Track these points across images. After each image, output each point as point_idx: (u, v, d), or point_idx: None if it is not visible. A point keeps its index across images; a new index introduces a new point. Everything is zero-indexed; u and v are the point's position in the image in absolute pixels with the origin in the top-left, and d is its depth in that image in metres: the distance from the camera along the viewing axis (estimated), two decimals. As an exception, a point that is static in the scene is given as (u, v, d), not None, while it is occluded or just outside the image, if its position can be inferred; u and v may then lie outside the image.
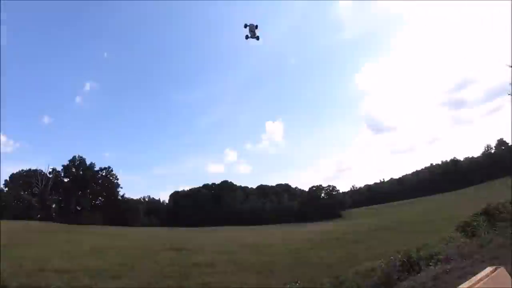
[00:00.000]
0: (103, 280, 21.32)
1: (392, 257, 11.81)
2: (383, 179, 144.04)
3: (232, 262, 28.15)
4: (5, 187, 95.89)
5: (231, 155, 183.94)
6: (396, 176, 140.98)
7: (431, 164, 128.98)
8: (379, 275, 11.99)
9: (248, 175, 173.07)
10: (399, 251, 12.37)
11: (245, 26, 15.43)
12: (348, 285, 14.88)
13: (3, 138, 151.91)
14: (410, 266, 10.70)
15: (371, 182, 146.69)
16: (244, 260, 29.37)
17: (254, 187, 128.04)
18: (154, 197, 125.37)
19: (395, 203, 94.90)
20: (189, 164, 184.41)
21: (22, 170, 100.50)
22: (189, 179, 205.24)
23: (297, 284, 11.18)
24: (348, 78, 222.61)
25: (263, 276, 22.89)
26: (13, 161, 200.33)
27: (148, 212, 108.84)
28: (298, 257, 28.97)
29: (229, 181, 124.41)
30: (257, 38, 15.72)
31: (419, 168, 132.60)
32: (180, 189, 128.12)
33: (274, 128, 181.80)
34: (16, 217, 75.18)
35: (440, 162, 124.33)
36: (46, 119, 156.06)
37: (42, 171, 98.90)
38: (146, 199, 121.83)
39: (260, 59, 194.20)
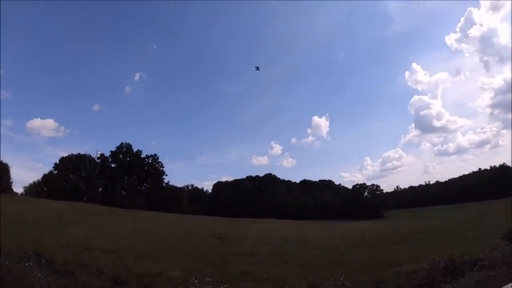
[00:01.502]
0: (146, 261, 22.13)
1: (437, 259, 11.96)
2: (429, 181, 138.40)
3: (272, 254, 28.62)
4: (55, 170, 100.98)
5: (276, 148, 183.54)
6: (442, 179, 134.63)
7: (479, 169, 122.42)
8: (422, 276, 12.20)
9: (291, 169, 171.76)
10: (443, 255, 12.48)
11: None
12: (389, 285, 15.08)
13: (55, 124, 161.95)
14: (454, 270, 10.84)
15: (416, 184, 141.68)
16: (284, 252, 29.77)
17: (297, 181, 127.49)
18: (197, 186, 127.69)
19: (439, 207, 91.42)
20: (233, 155, 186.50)
21: (72, 154, 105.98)
22: (232, 170, 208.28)
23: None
24: (398, 74, 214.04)
25: (303, 270, 23.14)
26: (63, 146, 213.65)
27: (191, 200, 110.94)
28: (338, 254, 28.99)
29: (272, 174, 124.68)
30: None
31: (466, 173, 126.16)
32: (223, 179, 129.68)
33: (320, 123, 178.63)
34: (63, 198, 78.99)
35: (488, 168, 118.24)
36: (96, 107, 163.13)
37: (90, 156, 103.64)
38: (190, 188, 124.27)
39: (308, 52, 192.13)
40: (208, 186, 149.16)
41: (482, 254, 11.95)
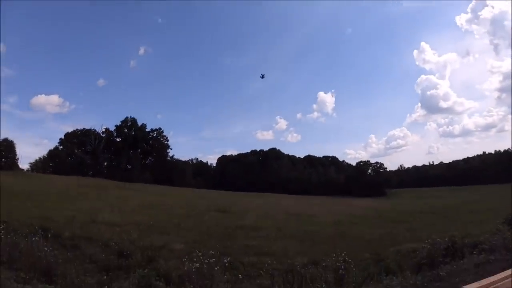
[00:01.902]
0: (150, 235, 22.40)
1: (438, 239, 12.08)
2: (433, 162, 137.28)
3: (275, 228, 28.89)
4: (60, 145, 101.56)
5: (280, 123, 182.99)
6: (446, 160, 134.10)
7: (483, 152, 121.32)
8: (422, 256, 12.36)
9: (296, 144, 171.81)
10: (444, 235, 12.60)
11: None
12: (389, 263, 15.30)
13: (59, 100, 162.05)
14: (454, 252, 10.95)
15: (419, 164, 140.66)
16: (287, 227, 30.16)
17: (302, 156, 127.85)
18: (202, 160, 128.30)
19: (442, 188, 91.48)
20: (238, 129, 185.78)
21: (77, 129, 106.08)
22: (237, 144, 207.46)
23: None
24: (406, 53, 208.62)
25: (305, 245, 23.46)
26: (68, 122, 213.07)
27: (195, 174, 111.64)
28: (340, 230, 29.25)
29: (277, 148, 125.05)
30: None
31: (470, 155, 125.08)
32: (227, 153, 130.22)
33: (326, 99, 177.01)
34: (69, 173, 79.56)
35: (493, 152, 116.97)
36: (101, 82, 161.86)
37: (95, 130, 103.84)
38: (194, 161, 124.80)
39: (315, 27, 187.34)
40: (212, 160, 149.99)
41: (482, 237, 12.05)
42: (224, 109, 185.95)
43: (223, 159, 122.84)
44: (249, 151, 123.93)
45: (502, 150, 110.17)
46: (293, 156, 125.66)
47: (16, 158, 74.52)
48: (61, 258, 11.67)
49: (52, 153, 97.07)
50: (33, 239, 10.93)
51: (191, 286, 9.06)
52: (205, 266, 9.41)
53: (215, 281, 9.36)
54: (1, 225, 11.50)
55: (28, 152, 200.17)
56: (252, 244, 22.48)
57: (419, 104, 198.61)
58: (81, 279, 9.71)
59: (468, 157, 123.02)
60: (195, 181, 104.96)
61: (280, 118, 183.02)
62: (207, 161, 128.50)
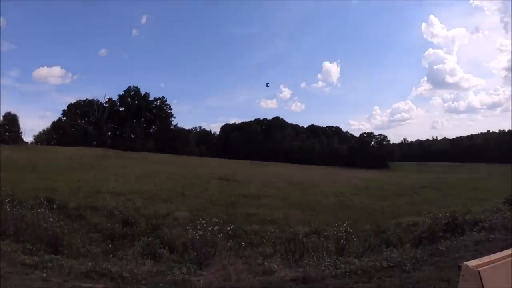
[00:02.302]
0: (154, 203, 22.67)
1: (440, 214, 12.15)
2: (436, 137, 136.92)
3: (278, 197, 29.18)
4: (63, 117, 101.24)
5: (285, 92, 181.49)
6: (450, 136, 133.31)
7: (487, 131, 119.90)
8: (423, 229, 12.48)
9: (300, 114, 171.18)
10: (445, 211, 12.67)
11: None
12: (390, 235, 15.52)
13: (61, 71, 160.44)
14: (454, 228, 11.03)
15: (423, 138, 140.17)
16: (289, 196, 30.43)
17: (305, 126, 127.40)
18: (205, 128, 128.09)
19: (444, 163, 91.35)
20: (242, 97, 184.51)
21: (80, 100, 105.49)
22: (240, 112, 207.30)
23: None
24: (413, 25, 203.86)
25: (307, 214, 23.73)
26: (71, 93, 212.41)
27: (198, 142, 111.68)
28: (342, 200, 29.57)
29: (280, 117, 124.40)
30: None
31: (474, 133, 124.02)
32: (231, 122, 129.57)
33: (331, 69, 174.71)
34: (73, 144, 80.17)
35: (497, 131, 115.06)
36: (103, 52, 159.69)
37: (98, 100, 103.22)
38: (198, 130, 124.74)
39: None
40: (216, 128, 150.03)
41: (483, 215, 12.09)
42: (228, 78, 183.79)
43: (226, 128, 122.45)
44: (252, 119, 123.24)
45: (506, 130, 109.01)
46: (297, 125, 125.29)
47: (20, 131, 74.88)
48: (66, 229, 11.88)
49: (55, 125, 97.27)
50: (39, 210, 11.00)
51: (195, 253, 9.21)
52: (208, 233, 9.56)
53: (218, 248, 9.49)
54: (7, 198, 11.54)
55: (32, 125, 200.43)
56: (254, 213, 22.75)
57: (425, 78, 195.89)
58: (86, 249, 9.92)
59: (472, 134, 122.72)
60: (199, 149, 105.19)
61: (285, 87, 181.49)
62: (210, 130, 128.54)
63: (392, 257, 8.10)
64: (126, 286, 6.30)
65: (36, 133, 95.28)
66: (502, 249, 6.00)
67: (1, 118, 70.86)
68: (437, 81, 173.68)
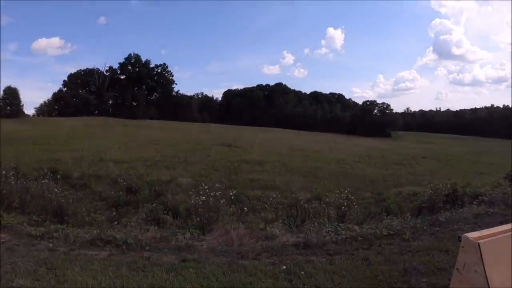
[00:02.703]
0: (157, 170, 22.88)
1: (441, 185, 12.22)
2: (440, 108, 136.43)
3: (280, 163, 29.25)
4: (64, 87, 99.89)
5: (287, 58, 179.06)
6: (453, 108, 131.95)
7: (492, 105, 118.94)
8: (423, 199, 12.59)
9: (302, 80, 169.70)
10: (445, 182, 12.73)
11: None
12: (390, 204, 15.65)
13: (60, 42, 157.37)
14: (454, 199, 11.10)
15: (426, 109, 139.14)
16: (291, 162, 30.48)
17: (308, 92, 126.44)
18: (207, 94, 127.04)
19: (447, 135, 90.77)
20: (244, 63, 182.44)
21: (80, 69, 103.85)
22: (243, 78, 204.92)
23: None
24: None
25: (308, 180, 23.88)
26: (71, 63, 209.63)
27: (201, 108, 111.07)
28: (343, 168, 29.67)
29: (283, 83, 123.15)
30: None
31: (478, 106, 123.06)
32: (233, 87, 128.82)
33: (335, 36, 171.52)
34: (75, 114, 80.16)
35: (501, 106, 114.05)
36: (102, 20, 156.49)
37: (99, 69, 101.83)
38: (200, 96, 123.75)
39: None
40: (218, 94, 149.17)
41: (483, 189, 12.14)
42: (230, 43, 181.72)
43: (228, 93, 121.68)
44: (255, 85, 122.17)
45: (511, 106, 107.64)
46: (299, 92, 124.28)
47: (21, 104, 73.92)
48: (71, 198, 11.98)
49: (56, 96, 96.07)
50: (43, 182, 11.06)
51: (198, 218, 9.34)
52: (211, 199, 9.60)
53: (221, 213, 9.59)
54: (10, 171, 11.57)
55: (33, 98, 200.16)
56: (257, 178, 22.96)
57: (431, 48, 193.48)
58: (91, 217, 10.06)
59: (475, 108, 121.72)
60: (201, 115, 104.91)
61: (287, 53, 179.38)
62: (212, 96, 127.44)
63: (392, 225, 8.20)
64: (131, 252, 6.43)
65: (38, 105, 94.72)
66: (501, 223, 6.09)
67: (1, 93, 70.33)
68: (443, 52, 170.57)
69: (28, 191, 10.90)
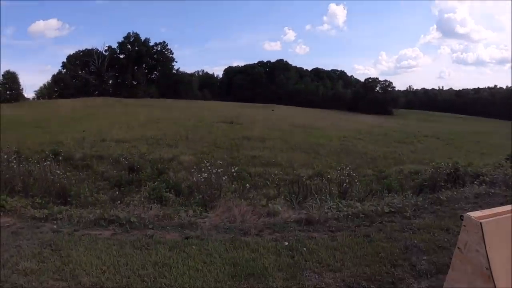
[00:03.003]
0: (159, 148, 23.20)
1: (442, 163, 12.20)
2: (442, 87, 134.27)
3: (281, 140, 29.51)
4: (63, 69, 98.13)
5: (289, 34, 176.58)
6: (456, 88, 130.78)
7: (495, 85, 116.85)
8: (425, 178, 12.60)
9: (304, 56, 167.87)
10: (447, 162, 12.72)
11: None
12: (391, 181, 15.67)
13: (58, 23, 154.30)
14: (456, 179, 11.09)
15: (428, 87, 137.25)
16: (293, 139, 30.71)
17: (309, 69, 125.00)
18: (208, 72, 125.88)
19: (449, 114, 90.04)
20: (245, 40, 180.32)
21: (79, 50, 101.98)
22: (244, 55, 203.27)
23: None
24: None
25: (310, 157, 24.13)
26: (70, 44, 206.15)
27: (201, 86, 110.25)
28: (345, 145, 29.81)
29: (284, 60, 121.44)
30: None
31: (481, 86, 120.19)
32: (234, 64, 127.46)
33: (337, 12, 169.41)
34: (75, 95, 79.21)
35: (504, 87, 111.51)
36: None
37: (98, 49, 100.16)
38: (200, 73, 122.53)
39: None
40: (219, 71, 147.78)
41: (484, 169, 12.11)
42: (230, 20, 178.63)
43: (229, 70, 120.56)
44: (256, 62, 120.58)
45: None
46: (301, 68, 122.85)
47: (21, 88, 73.18)
48: (74, 179, 12.04)
49: (56, 78, 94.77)
50: (45, 164, 11.03)
51: (200, 196, 9.38)
52: (213, 176, 9.58)
53: (223, 190, 9.61)
54: (12, 155, 11.53)
55: (34, 81, 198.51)
56: (258, 155, 23.28)
57: (435, 26, 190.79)
58: (94, 197, 10.06)
59: (478, 88, 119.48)
60: (202, 93, 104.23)
61: (289, 29, 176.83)
62: (213, 73, 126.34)
63: (393, 203, 8.21)
64: (134, 230, 6.48)
65: (37, 88, 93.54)
66: (502, 204, 6.11)
67: (0, 78, 69.59)
68: (447, 30, 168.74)
69: (31, 174, 10.82)
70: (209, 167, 9.89)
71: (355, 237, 6.04)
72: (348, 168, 11.83)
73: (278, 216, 7.48)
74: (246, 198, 10.13)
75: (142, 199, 9.13)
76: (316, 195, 9.37)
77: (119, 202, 8.85)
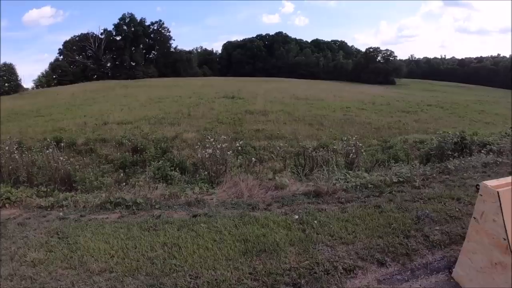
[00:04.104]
0: (162, 127, 22.97)
1: (449, 133, 12.01)
2: (445, 55, 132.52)
3: (284, 112, 29.30)
4: (60, 55, 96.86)
5: (287, 6, 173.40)
6: (459, 56, 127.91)
7: (498, 54, 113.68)
8: (432, 147, 12.44)
9: (303, 28, 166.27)
10: (452, 131, 12.56)
11: None
12: (397, 151, 15.55)
13: (52, 10, 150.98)
14: (463, 148, 10.93)
15: (431, 56, 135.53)
16: (295, 111, 30.46)
17: (309, 40, 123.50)
18: (207, 48, 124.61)
19: (452, 83, 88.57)
20: (243, 14, 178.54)
21: (74, 36, 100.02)
22: (242, 29, 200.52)
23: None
24: None
25: (314, 128, 23.97)
26: (66, 31, 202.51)
27: (201, 62, 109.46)
28: (348, 115, 29.54)
29: (283, 32, 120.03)
30: None
31: (484, 55, 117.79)
32: (233, 39, 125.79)
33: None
34: (74, 81, 78.95)
35: (508, 56, 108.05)
36: None
37: (93, 33, 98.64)
38: (199, 50, 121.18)
39: None
40: (218, 47, 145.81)
41: (491, 138, 11.95)
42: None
43: (228, 45, 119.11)
44: (255, 35, 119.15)
45: None
46: (301, 40, 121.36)
47: (19, 79, 71.63)
48: (78, 164, 11.89)
49: (53, 65, 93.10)
50: (47, 151, 10.85)
51: (205, 172, 9.27)
52: (217, 151, 9.45)
53: (228, 165, 9.46)
54: (15, 146, 11.36)
55: (32, 70, 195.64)
56: (262, 128, 23.13)
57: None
58: (99, 181, 9.95)
59: (481, 56, 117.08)
60: (201, 70, 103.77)
61: (287, 1, 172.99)
62: (212, 49, 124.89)
63: (401, 173, 8.08)
64: (141, 212, 6.40)
65: (36, 78, 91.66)
66: (510, 174, 5.98)
67: None
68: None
69: (35, 163, 10.75)
70: (213, 143, 9.73)
71: (366, 208, 5.93)
72: (354, 138, 11.61)
73: (285, 189, 7.38)
74: (251, 172, 10.06)
75: (148, 179, 9.05)
76: (323, 167, 9.25)
77: (124, 184, 8.75)
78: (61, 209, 6.87)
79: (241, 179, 7.74)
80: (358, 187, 7.32)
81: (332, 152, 11.85)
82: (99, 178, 10.47)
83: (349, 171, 8.94)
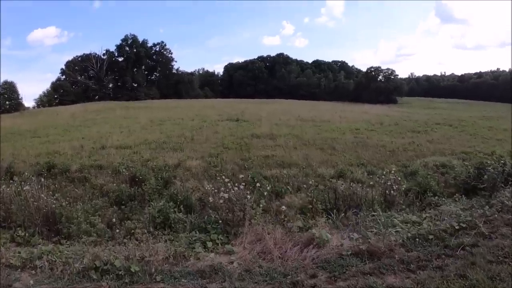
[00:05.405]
0: (163, 152, 21.38)
1: (488, 161, 10.45)
2: (444, 72, 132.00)
3: (292, 136, 27.65)
4: (62, 75, 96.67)
5: (287, 28, 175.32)
6: (458, 73, 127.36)
7: (497, 69, 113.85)
8: (466, 175, 10.96)
9: (304, 49, 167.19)
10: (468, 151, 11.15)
11: None
12: (422, 178, 13.91)
13: (56, 31, 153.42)
14: (507, 176, 9.37)
15: (430, 73, 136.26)
16: (304, 134, 28.82)
17: (310, 61, 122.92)
18: (209, 70, 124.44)
19: (453, 100, 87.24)
20: (244, 36, 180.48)
21: (77, 56, 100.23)
22: (244, 51, 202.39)
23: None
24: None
25: (326, 153, 22.22)
26: (69, 51, 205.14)
27: (202, 84, 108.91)
28: (359, 138, 27.98)
29: (284, 54, 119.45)
30: None
31: (483, 70, 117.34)
32: (234, 61, 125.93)
33: (334, 3, 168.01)
34: (76, 101, 78.20)
35: (507, 70, 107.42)
36: (97, 4, 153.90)
37: (96, 54, 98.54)
38: (200, 72, 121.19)
39: None
40: (219, 69, 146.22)
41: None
42: (228, 17, 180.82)
43: (230, 67, 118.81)
44: (256, 57, 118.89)
45: None
46: (301, 61, 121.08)
47: (20, 98, 71.58)
48: (65, 201, 9.93)
49: (55, 85, 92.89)
50: (26, 187, 9.00)
51: (219, 219, 7.31)
52: (232, 194, 7.37)
53: (248, 212, 7.17)
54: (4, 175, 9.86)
55: (35, 90, 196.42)
56: (271, 154, 21.14)
57: (433, 12, 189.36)
58: (90, 222, 8.29)
59: (480, 72, 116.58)
60: (203, 91, 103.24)
61: (287, 23, 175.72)
62: (214, 71, 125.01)
63: (459, 215, 6.57)
64: (135, 285, 4.66)
65: (37, 97, 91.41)
66: None
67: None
68: (446, 16, 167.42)
69: (12, 201, 8.86)
70: (228, 183, 7.74)
71: (451, 283, 4.26)
72: (393, 170, 9.94)
73: (326, 247, 5.57)
74: (267, 210, 8.47)
75: (147, 226, 7.44)
76: (359, 206, 7.70)
77: (117, 230, 7.14)
78: (33, 272, 5.24)
79: (265, 230, 6.02)
80: (417, 239, 5.65)
81: (368, 188, 9.93)
82: (90, 218, 8.85)
83: (394, 213, 7.34)
